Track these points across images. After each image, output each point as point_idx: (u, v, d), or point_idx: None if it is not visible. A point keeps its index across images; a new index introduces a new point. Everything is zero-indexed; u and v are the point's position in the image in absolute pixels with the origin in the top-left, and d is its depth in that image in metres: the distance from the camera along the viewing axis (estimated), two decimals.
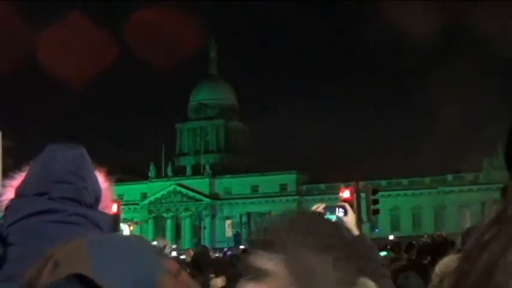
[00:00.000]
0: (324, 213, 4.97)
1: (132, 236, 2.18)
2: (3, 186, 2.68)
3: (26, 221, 2.49)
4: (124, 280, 1.41)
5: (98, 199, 2.66)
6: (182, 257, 16.30)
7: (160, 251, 1.56)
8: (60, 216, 2.52)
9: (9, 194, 2.63)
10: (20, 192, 2.60)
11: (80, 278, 1.41)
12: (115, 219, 2.70)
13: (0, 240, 2.47)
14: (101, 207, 2.69)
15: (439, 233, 21.37)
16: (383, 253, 18.30)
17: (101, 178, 2.74)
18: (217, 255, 20.57)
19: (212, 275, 10.98)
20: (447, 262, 5.01)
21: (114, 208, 32.04)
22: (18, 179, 2.67)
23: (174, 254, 16.82)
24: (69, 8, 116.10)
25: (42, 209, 2.53)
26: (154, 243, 19.77)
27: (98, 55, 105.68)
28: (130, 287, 1.40)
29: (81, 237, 2.59)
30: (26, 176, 2.65)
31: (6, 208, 2.59)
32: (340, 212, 5.01)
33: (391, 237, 46.48)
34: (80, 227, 2.50)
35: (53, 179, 2.58)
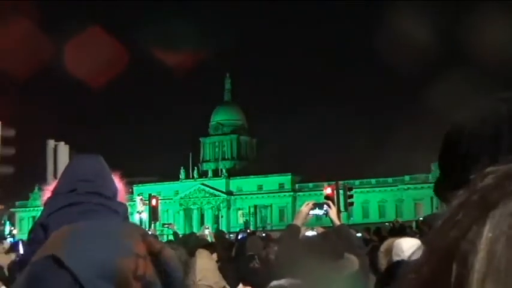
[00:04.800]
0: (314, 208, 5.01)
1: (114, 223, 2.10)
2: (43, 190, 2.73)
3: (61, 211, 2.52)
4: (86, 262, 1.37)
5: (115, 194, 2.69)
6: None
7: (143, 234, 1.48)
8: (85, 206, 2.52)
9: (47, 194, 2.70)
10: (56, 191, 2.66)
11: (54, 258, 1.39)
12: (133, 209, 2.71)
13: (42, 228, 2.50)
14: (118, 199, 2.73)
15: (396, 220, 21.21)
16: (358, 234, 18.21)
17: (116, 179, 2.78)
18: (231, 235, 20.78)
19: None
20: (388, 243, 5.06)
21: (154, 202, 31.87)
22: (52, 184, 2.75)
23: (206, 232, 16.19)
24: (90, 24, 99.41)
25: (71, 201, 2.55)
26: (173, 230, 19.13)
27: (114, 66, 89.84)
28: (92, 269, 1.36)
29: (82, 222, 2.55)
30: (60, 179, 2.73)
31: (45, 204, 2.65)
32: (325, 207, 5.08)
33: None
34: (101, 214, 2.52)
35: (79, 179, 2.62)
